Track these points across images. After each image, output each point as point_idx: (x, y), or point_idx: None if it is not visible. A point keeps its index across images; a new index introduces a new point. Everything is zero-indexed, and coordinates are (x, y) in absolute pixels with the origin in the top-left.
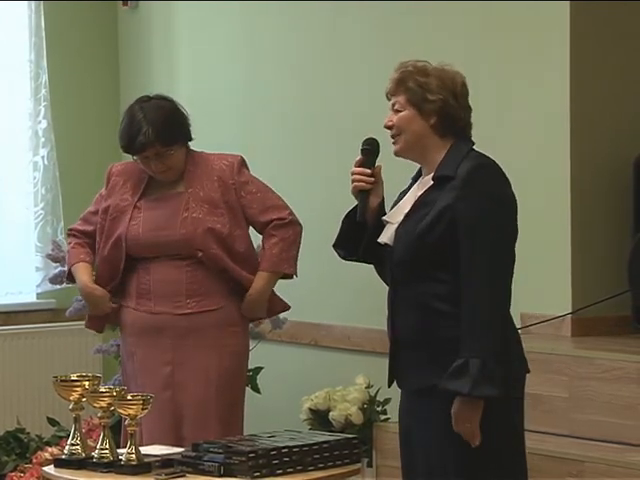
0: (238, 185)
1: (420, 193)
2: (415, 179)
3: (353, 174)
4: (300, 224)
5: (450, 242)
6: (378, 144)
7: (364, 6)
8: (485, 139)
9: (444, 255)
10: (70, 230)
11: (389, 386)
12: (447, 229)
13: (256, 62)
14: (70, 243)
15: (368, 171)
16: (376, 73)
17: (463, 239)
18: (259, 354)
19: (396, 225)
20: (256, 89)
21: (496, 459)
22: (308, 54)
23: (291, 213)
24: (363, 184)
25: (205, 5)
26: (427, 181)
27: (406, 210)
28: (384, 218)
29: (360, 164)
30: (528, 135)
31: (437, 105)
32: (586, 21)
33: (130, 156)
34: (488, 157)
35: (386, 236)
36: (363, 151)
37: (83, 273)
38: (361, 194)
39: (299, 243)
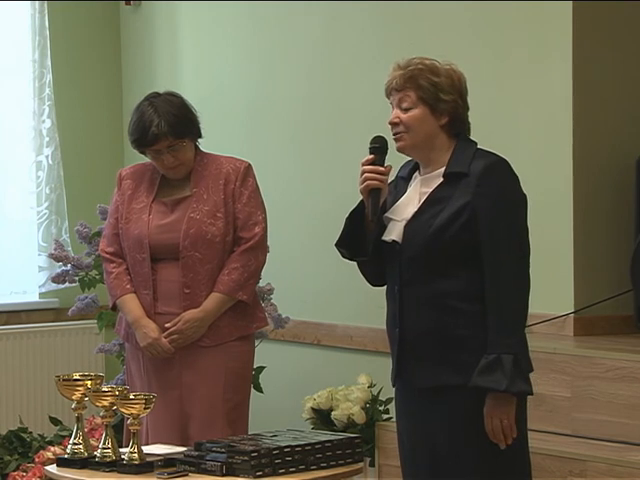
0: (237, 192)
1: (427, 190)
2: (407, 176)
3: (365, 172)
4: (265, 251)
5: (466, 239)
6: (387, 141)
7: (368, 6)
8: (487, 139)
9: (459, 252)
10: (102, 253)
11: (394, 385)
12: (465, 225)
13: (261, 61)
14: (108, 270)
15: (382, 169)
16: (382, 74)
17: (485, 238)
18: (262, 353)
19: (403, 222)
20: (261, 88)
21: (506, 458)
22: (315, 54)
23: (261, 236)
24: (376, 182)
25: (208, 4)
26: (432, 178)
27: (411, 207)
28: (386, 215)
29: (371, 162)
30: (530, 135)
31: (450, 105)
32: (588, 20)
33: (135, 159)
34: (497, 155)
35: (394, 233)
36: (373, 149)
37: (133, 306)
38: (373, 192)
39: (259, 273)
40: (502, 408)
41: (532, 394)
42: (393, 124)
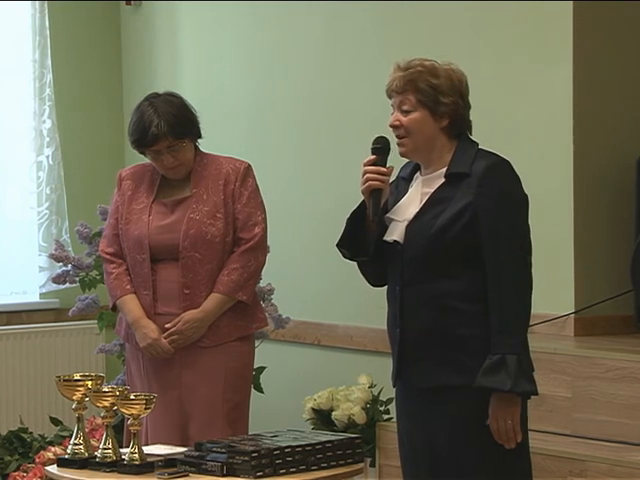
0: (237, 192)
1: (429, 190)
2: (408, 177)
3: (367, 173)
4: (265, 252)
5: (468, 239)
6: (389, 142)
7: (368, 6)
8: (487, 138)
9: (460, 252)
10: (102, 254)
11: (394, 386)
12: (466, 226)
13: (261, 61)
14: (108, 271)
15: (384, 169)
16: (382, 74)
17: (487, 238)
18: (262, 354)
19: (404, 222)
20: (261, 88)
21: (507, 458)
22: (315, 54)
23: (260, 236)
24: (378, 183)
25: (208, 4)
26: (434, 178)
27: (413, 207)
28: (388, 215)
29: (373, 163)
30: (531, 135)
31: (450, 108)
32: (589, 20)
33: (135, 160)
34: (499, 155)
35: (395, 234)
36: (375, 150)
37: (133, 307)
38: (374, 193)
39: (259, 274)
40: (507, 409)
41: (537, 394)
42: (394, 127)
